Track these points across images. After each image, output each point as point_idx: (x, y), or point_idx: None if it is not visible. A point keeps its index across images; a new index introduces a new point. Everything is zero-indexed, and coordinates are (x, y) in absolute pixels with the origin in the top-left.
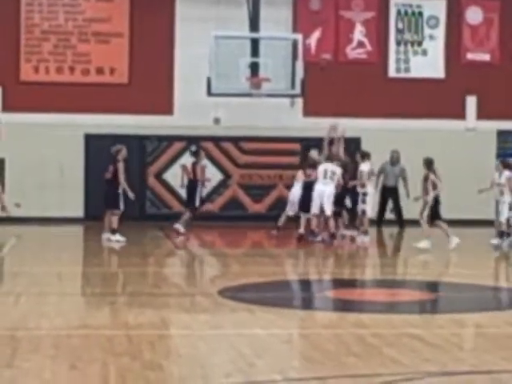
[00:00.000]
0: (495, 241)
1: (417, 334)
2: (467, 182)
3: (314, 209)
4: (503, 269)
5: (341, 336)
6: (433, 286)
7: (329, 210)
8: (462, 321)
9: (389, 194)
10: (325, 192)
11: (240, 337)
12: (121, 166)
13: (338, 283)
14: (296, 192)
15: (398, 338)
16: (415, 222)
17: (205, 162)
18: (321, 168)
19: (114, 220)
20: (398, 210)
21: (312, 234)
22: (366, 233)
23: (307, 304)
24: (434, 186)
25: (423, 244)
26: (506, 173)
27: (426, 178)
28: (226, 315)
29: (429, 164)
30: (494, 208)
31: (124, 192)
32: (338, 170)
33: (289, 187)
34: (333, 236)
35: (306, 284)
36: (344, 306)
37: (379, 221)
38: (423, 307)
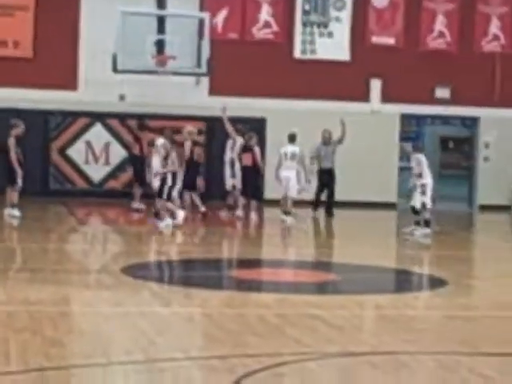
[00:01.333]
0: (419, 232)
1: (318, 314)
2: (370, 164)
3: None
4: (404, 251)
5: (243, 316)
6: (334, 267)
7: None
8: (362, 302)
9: (326, 176)
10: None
11: (141, 315)
12: (11, 141)
13: (242, 263)
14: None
15: (299, 318)
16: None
17: None
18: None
19: (13, 195)
20: (331, 193)
21: None
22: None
23: (210, 283)
24: None
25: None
26: (418, 155)
27: None
28: (128, 293)
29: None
30: (397, 192)
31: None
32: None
33: None
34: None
35: (210, 263)
36: (247, 286)
37: (316, 205)
38: (325, 288)
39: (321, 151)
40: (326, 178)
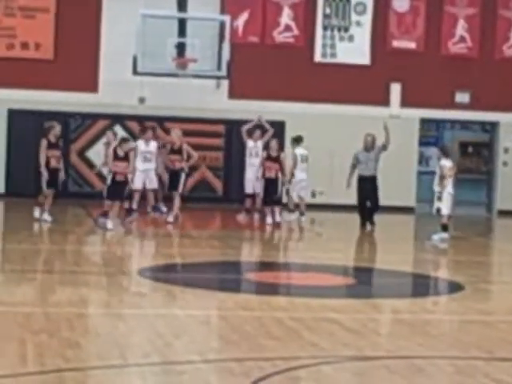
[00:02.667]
0: (436, 236)
1: (335, 318)
2: (389, 168)
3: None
4: (422, 256)
5: (260, 319)
6: (352, 271)
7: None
8: (379, 306)
9: (367, 184)
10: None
11: (158, 317)
12: (43, 143)
13: (260, 266)
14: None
15: (316, 322)
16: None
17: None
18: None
19: (41, 199)
20: (375, 203)
21: None
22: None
23: (227, 286)
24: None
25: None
26: (442, 161)
27: None
28: (145, 295)
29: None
30: (415, 196)
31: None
32: None
33: (212, 169)
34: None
35: (226, 266)
36: (264, 288)
37: (363, 218)
38: (342, 292)
39: (360, 157)
40: (368, 187)
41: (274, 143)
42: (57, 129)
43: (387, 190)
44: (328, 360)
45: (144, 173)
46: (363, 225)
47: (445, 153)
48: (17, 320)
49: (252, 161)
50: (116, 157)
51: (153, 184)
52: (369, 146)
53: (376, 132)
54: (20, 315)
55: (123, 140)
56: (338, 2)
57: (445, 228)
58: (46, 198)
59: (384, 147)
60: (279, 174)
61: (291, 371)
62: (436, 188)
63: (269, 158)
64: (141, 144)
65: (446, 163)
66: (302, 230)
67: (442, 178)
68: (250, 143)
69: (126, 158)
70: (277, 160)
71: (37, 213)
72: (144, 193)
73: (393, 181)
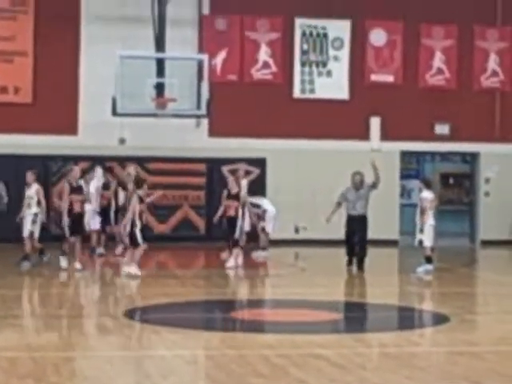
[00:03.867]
0: (421, 268)
1: (322, 354)
2: (371, 202)
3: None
4: (406, 288)
5: (246, 357)
6: (336, 306)
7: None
8: (365, 340)
9: (355, 224)
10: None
11: (145, 358)
12: (65, 187)
13: (245, 304)
14: None
15: (303, 358)
16: None
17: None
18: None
19: (64, 247)
20: (363, 244)
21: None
22: (264, 248)
23: (212, 325)
24: None
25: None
26: (424, 193)
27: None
28: (131, 337)
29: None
30: (398, 229)
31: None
32: None
33: (194, 207)
34: None
35: (210, 305)
36: (249, 326)
37: (350, 256)
38: (328, 327)
39: (349, 196)
40: (356, 226)
41: (231, 181)
42: (76, 171)
43: (371, 223)
44: None
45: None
46: (350, 262)
47: (427, 185)
48: (2, 365)
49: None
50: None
51: (95, 225)
52: (358, 185)
53: (359, 167)
54: (5, 360)
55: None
56: (316, 37)
57: (429, 260)
58: (71, 246)
59: (374, 185)
60: (239, 213)
61: None
62: (418, 220)
63: (229, 196)
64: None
65: (428, 195)
66: (286, 266)
67: (423, 210)
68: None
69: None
70: (236, 198)
71: (64, 263)
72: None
73: (376, 214)
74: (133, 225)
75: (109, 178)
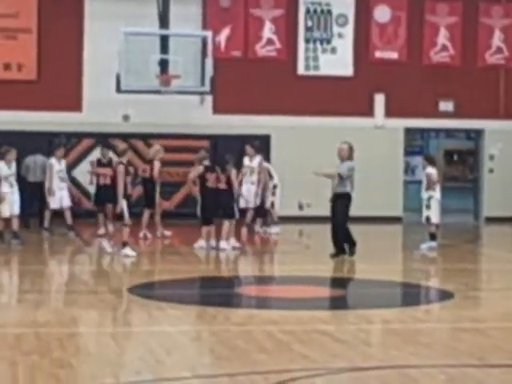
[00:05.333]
0: (425, 245)
1: (326, 330)
2: (375, 179)
3: None
4: (411, 265)
5: (250, 333)
6: (341, 283)
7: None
8: (369, 317)
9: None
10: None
11: (149, 334)
12: (119, 169)
13: (249, 280)
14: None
15: (307, 334)
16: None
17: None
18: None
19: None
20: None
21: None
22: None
23: (216, 301)
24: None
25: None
26: (428, 169)
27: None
28: (135, 312)
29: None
30: (402, 206)
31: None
32: None
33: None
34: None
35: (215, 281)
36: (254, 302)
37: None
38: (332, 303)
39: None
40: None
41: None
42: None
43: (374, 200)
44: (320, 372)
45: (60, 191)
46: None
47: (430, 161)
48: (7, 341)
49: (247, 178)
50: None
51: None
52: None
53: (363, 143)
54: (10, 336)
55: None
56: (320, 14)
57: (433, 237)
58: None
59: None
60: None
61: None
62: (424, 195)
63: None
64: (55, 163)
65: (432, 171)
66: (290, 243)
67: (429, 186)
68: (245, 161)
69: None
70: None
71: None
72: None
73: (379, 191)
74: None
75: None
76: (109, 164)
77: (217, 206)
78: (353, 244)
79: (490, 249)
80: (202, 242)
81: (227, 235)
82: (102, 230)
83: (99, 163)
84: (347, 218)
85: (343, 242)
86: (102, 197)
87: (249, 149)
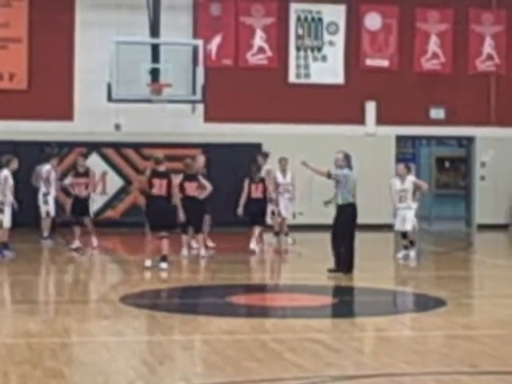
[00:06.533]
0: (401, 254)
1: (318, 338)
2: (367, 186)
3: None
4: (402, 273)
5: (242, 341)
6: (332, 291)
7: None
8: (362, 324)
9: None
10: None
11: (142, 343)
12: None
13: (240, 289)
14: None
15: (299, 342)
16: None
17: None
18: None
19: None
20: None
21: None
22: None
23: (208, 310)
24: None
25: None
26: (410, 177)
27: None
28: (127, 322)
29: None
30: (394, 216)
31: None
32: None
33: None
34: None
35: (206, 290)
36: (245, 311)
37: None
38: (324, 312)
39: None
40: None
41: (201, 160)
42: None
43: (365, 208)
44: (312, 381)
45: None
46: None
47: (409, 169)
48: None
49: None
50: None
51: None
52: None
53: (354, 151)
54: (2, 346)
55: None
56: (311, 22)
57: (413, 244)
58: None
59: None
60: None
61: None
62: (414, 205)
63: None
64: (51, 170)
65: (413, 178)
66: (283, 252)
67: (416, 191)
68: (279, 178)
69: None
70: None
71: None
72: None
73: (371, 198)
74: None
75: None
76: (85, 173)
77: (195, 214)
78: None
79: (482, 256)
80: (184, 251)
81: (256, 239)
82: (75, 244)
83: (76, 173)
84: (352, 231)
85: (351, 258)
86: (78, 208)
87: (283, 163)
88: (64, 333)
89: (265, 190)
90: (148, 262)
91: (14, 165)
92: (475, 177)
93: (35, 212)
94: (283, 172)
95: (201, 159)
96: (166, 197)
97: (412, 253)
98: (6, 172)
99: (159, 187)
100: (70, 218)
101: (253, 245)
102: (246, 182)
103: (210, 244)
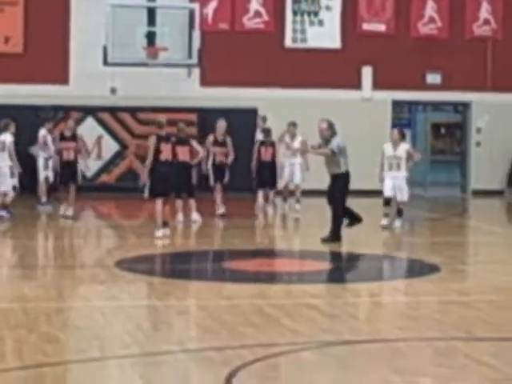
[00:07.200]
0: (384, 221)
1: (314, 304)
2: (362, 151)
3: None
4: (396, 238)
5: (239, 307)
6: (327, 256)
7: None
8: (357, 290)
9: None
10: None
11: (137, 308)
12: (209, 139)
13: (236, 254)
14: None
15: (295, 308)
16: None
17: None
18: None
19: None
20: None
21: None
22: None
23: (205, 275)
24: None
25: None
26: (404, 145)
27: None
28: (122, 287)
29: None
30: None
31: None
32: None
33: None
34: None
35: (203, 255)
36: (241, 276)
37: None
38: (320, 277)
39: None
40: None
41: (221, 125)
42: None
43: (360, 173)
44: (308, 346)
45: None
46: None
47: (403, 136)
48: None
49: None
50: None
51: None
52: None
53: (351, 116)
54: None
55: None
56: None
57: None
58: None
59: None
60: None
61: (271, 358)
62: (404, 173)
63: (216, 142)
64: (47, 134)
65: (407, 145)
66: (279, 216)
67: (409, 160)
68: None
69: None
70: (224, 144)
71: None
72: None
73: (366, 164)
74: None
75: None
76: (72, 137)
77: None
78: (356, 219)
79: (478, 222)
80: (180, 216)
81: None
82: (65, 210)
83: (62, 137)
84: (343, 201)
85: (338, 228)
86: (66, 175)
87: (292, 128)
88: (59, 297)
89: (274, 153)
90: (159, 233)
91: (12, 128)
92: (471, 143)
93: (31, 176)
94: (292, 137)
95: (222, 124)
96: (179, 162)
97: (398, 222)
98: (9, 137)
99: (167, 152)
100: (57, 184)
101: (266, 207)
102: (256, 145)
103: (222, 210)
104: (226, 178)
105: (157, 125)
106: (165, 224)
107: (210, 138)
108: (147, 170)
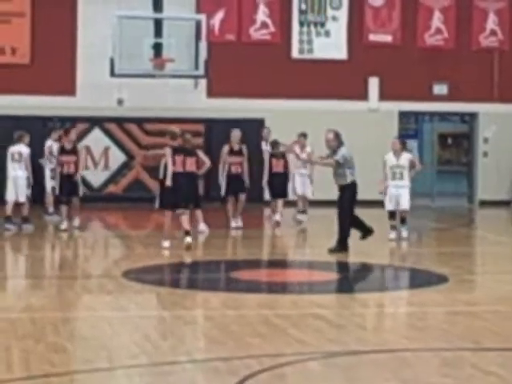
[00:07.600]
0: (393, 235)
1: (321, 314)
2: (369, 162)
3: None
4: (404, 249)
5: (245, 317)
6: (335, 267)
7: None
8: (364, 300)
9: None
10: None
11: (144, 318)
12: (224, 149)
13: (243, 264)
14: None
15: (302, 318)
16: None
17: None
18: None
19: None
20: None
21: None
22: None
23: (212, 285)
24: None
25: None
26: (406, 154)
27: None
28: (130, 297)
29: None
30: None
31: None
32: None
33: None
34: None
35: (210, 265)
36: (248, 287)
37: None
38: (327, 287)
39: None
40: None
41: (236, 134)
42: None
43: (367, 184)
44: (314, 356)
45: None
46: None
47: (404, 145)
48: (2, 326)
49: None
50: None
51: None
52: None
53: (357, 127)
54: (5, 321)
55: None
56: None
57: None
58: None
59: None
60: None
61: (278, 368)
62: (407, 183)
63: (231, 152)
64: (54, 145)
65: (409, 155)
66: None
67: (411, 169)
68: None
69: None
70: (240, 153)
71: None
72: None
73: (373, 175)
74: None
75: None
76: (73, 150)
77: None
78: (368, 231)
79: (485, 232)
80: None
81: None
82: (64, 225)
83: (62, 150)
84: (351, 211)
85: (345, 239)
86: (66, 188)
87: (302, 139)
88: (66, 308)
89: (286, 164)
90: (166, 243)
91: (26, 140)
92: (477, 153)
93: (39, 187)
94: (302, 147)
95: (236, 133)
96: (187, 172)
97: (404, 232)
98: (25, 148)
99: (179, 163)
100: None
101: (278, 216)
102: (267, 157)
103: (240, 223)
104: (245, 188)
105: (170, 135)
106: (187, 233)
107: (226, 148)
108: (169, 180)
